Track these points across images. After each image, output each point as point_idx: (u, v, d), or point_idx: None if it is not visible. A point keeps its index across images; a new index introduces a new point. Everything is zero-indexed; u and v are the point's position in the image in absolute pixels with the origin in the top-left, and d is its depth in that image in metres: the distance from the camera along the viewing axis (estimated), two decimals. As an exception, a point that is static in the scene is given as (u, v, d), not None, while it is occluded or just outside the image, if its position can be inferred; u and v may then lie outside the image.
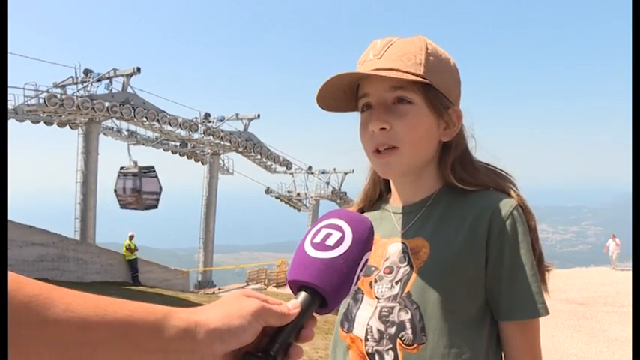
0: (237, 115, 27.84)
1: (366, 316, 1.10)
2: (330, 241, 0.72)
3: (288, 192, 31.60)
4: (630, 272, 15.62)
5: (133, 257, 17.99)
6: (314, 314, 0.69)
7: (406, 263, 1.10)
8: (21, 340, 0.50)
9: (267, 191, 31.26)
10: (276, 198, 31.78)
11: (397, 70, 1.06)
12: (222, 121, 26.89)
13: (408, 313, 1.05)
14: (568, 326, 11.30)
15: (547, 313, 1.04)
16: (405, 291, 1.07)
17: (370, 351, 1.07)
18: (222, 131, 26.16)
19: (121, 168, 22.87)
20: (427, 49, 1.09)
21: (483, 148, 1.20)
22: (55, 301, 0.52)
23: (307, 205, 31.67)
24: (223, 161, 28.86)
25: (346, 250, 0.71)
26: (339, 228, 0.74)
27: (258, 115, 27.99)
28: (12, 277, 0.52)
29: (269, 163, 29.72)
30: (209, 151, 27.30)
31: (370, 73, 1.05)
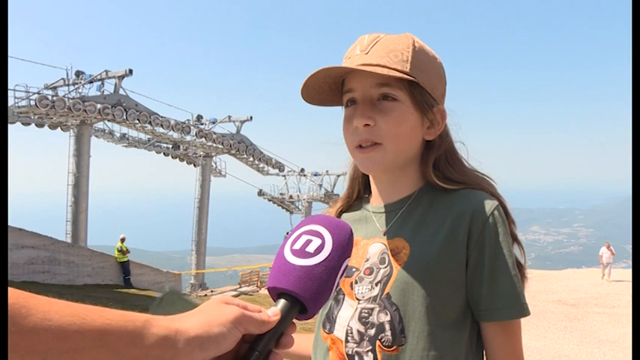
0: (229, 117, 27.80)
1: (347, 317, 1.09)
2: (310, 248, 0.72)
3: (281, 194, 31.56)
4: (622, 282, 15.54)
5: (125, 260, 17.89)
6: (294, 321, 0.69)
7: (386, 264, 1.08)
8: None
9: (260, 193, 31.21)
10: (269, 200, 31.74)
11: (384, 66, 1.05)
12: (214, 123, 26.84)
13: (387, 314, 1.04)
14: (560, 327, 11.35)
15: (528, 313, 1.03)
16: (385, 292, 1.05)
17: (350, 352, 1.05)
18: (215, 133, 26.10)
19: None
20: (414, 46, 1.09)
21: (470, 153, 1.19)
22: (32, 309, 0.52)
23: (300, 207, 31.63)
24: (216, 163, 28.79)
25: (326, 258, 0.71)
26: (318, 234, 0.74)
27: (251, 117, 27.96)
28: None
29: (261, 165, 29.68)
30: (201, 153, 27.22)
31: (356, 68, 1.04)
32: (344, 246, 0.74)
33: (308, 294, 0.68)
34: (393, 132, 1.07)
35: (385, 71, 1.04)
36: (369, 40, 1.10)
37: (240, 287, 22.29)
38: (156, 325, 0.59)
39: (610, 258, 18.00)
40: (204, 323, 0.61)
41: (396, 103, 1.07)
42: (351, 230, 0.77)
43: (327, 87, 1.12)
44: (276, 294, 0.70)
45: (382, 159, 1.08)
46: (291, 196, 31.54)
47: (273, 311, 0.67)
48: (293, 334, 0.69)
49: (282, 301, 0.68)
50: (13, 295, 0.52)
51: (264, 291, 21.35)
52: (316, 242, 0.72)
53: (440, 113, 1.13)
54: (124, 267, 17.85)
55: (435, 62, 1.14)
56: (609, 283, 16.56)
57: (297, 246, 0.73)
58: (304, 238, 0.74)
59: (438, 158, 1.14)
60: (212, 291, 22.49)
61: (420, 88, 1.08)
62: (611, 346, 9.78)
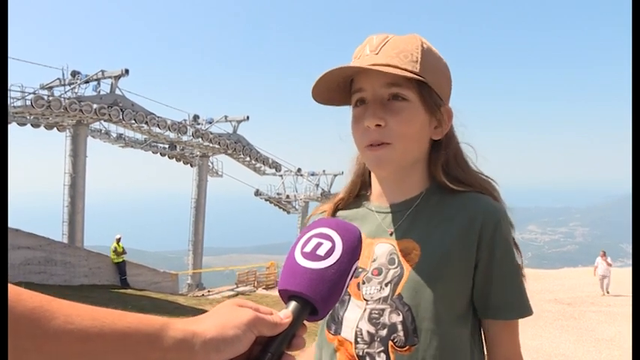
0: (226, 117, 27.80)
1: (355, 318, 1.09)
2: (321, 251, 0.73)
3: (278, 194, 31.55)
4: (621, 296, 15.26)
5: (121, 260, 17.84)
6: (304, 322, 0.71)
7: (396, 265, 1.09)
8: (23, 353, 0.51)
9: (257, 193, 31.19)
10: (266, 200, 31.72)
11: (394, 66, 1.05)
12: (211, 123, 26.82)
13: (399, 315, 1.05)
14: (556, 326, 11.39)
15: (532, 312, 1.10)
16: (396, 293, 1.07)
17: (361, 354, 1.06)
18: (211, 133, 26.08)
19: None
20: (423, 47, 1.10)
21: (474, 151, 1.21)
22: (55, 313, 0.53)
23: (297, 207, 31.63)
24: (212, 163, 28.77)
25: (337, 261, 0.72)
26: (329, 237, 0.75)
27: (248, 117, 27.96)
28: (10, 288, 0.52)
29: (258, 165, 29.67)
30: (198, 153, 27.19)
31: (370, 67, 1.04)
32: (353, 249, 0.75)
33: (320, 296, 0.70)
34: (403, 132, 1.08)
35: (397, 71, 1.05)
36: (378, 41, 1.10)
37: (237, 287, 22.27)
38: (173, 328, 0.60)
39: (607, 270, 15.28)
40: (219, 326, 0.62)
41: (406, 103, 1.08)
42: (360, 234, 0.78)
43: (336, 86, 1.13)
44: (287, 296, 0.72)
45: (391, 157, 1.09)
46: (287, 196, 31.52)
47: (285, 313, 0.68)
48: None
49: (293, 304, 0.70)
50: (36, 298, 0.53)
51: (261, 291, 21.35)
52: (327, 245, 0.74)
53: (447, 113, 1.15)
54: (120, 267, 17.80)
55: (442, 63, 1.15)
56: (608, 296, 14.93)
57: (308, 249, 0.74)
58: (315, 241, 0.75)
59: (447, 159, 1.15)
60: (209, 291, 22.46)
61: (428, 88, 1.09)
62: (607, 344, 9.82)
